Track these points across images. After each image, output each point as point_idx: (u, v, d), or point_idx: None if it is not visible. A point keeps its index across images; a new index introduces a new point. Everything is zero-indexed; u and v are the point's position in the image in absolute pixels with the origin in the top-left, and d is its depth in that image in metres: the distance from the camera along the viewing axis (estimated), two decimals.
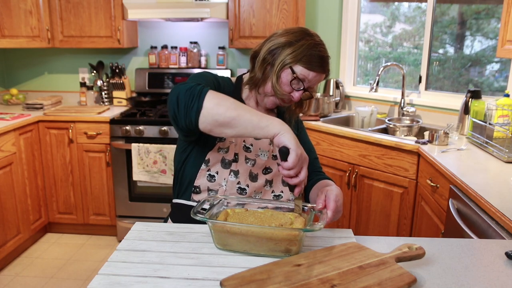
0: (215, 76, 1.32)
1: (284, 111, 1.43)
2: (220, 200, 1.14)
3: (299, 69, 1.24)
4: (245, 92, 1.37)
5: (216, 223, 1.01)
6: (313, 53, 1.23)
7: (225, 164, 1.27)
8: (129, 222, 3.20)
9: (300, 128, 1.50)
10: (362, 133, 2.59)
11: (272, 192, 1.31)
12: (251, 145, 1.30)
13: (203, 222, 1.05)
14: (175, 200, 1.36)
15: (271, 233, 0.97)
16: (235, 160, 1.28)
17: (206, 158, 1.28)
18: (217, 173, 1.27)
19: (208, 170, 1.27)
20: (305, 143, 1.46)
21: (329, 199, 1.10)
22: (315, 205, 1.11)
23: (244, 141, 1.30)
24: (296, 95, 1.26)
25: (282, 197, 1.31)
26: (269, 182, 1.31)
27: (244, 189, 1.28)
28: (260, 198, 1.29)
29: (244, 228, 0.99)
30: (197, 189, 1.29)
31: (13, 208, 2.90)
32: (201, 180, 1.28)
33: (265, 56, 1.27)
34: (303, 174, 1.05)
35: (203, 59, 3.56)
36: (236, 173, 1.27)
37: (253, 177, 1.29)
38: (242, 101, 1.36)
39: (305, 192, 1.41)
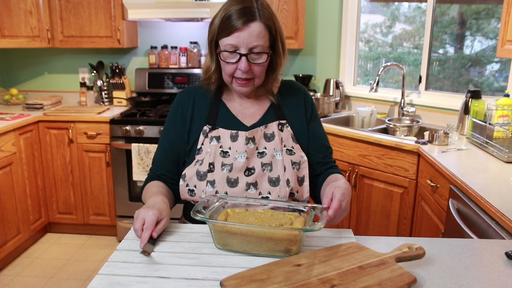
0: (177, 104, 1.36)
1: (275, 95, 1.35)
2: (220, 200, 1.14)
3: (223, 43, 1.19)
4: (226, 92, 1.35)
5: (216, 223, 1.01)
6: (223, 19, 1.17)
7: (201, 176, 1.24)
8: (129, 222, 3.20)
9: (312, 110, 1.39)
10: (362, 133, 2.60)
11: (259, 194, 1.25)
12: (229, 148, 1.26)
13: (204, 222, 1.05)
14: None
15: (271, 233, 0.97)
16: (211, 170, 1.24)
17: (183, 173, 1.27)
18: (195, 187, 1.25)
19: (187, 186, 1.25)
20: (317, 132, 1.37)
21: (335, 197, 1.06)
22: (315, 205, 1.11)
23: (221, 146, 1.26)
24: (241, 66, 1.19)
25: (269, 198, 1.27)
26: (252, 185, 1.24)
27: None
28: (260, 198, 1.26)
29: (244, 228, 0.99)
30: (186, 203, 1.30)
31: (13, 208, 2.90)
32: (185, 196, 1.27)
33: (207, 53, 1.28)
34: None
35: (203, 59, 3.56)
36: (213, 183, 1.23)
37: (232, 183, 1.23)
38: (222, 103, 1.33)
39: (315, 188, 1.34)
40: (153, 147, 2.95)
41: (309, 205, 1.11)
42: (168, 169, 1.34)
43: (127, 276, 0.91)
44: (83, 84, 3.58)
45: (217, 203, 1.12)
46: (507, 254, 1.00)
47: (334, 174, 1.31)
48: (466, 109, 2.50)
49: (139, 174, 3.02)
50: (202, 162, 1.25)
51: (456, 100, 2.77)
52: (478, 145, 2.24)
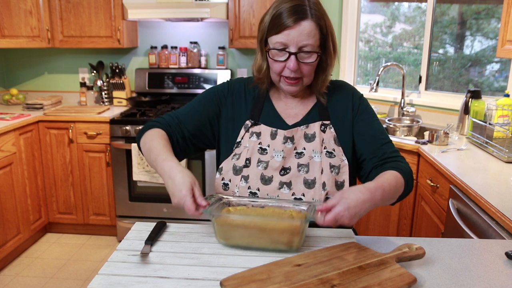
0: (228, 83, 1.33)
1: (323, 94, 1.30)
2: (222, 199, 1.14)
3: (272, 41, 1.17)
4: (274, 89, 1.33)
5: (220, 216, 1.02)
6: (273, 17, 1.16)
7: (236, 170, 1.23)
8: (129, 222, 3.20)
9: (360, 106, 1.29)
10: None
11: (292, 195, 1.20)
12: (268, 146, 1.24)
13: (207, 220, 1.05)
14: None
15: (274, 225, 0.98)
16: (246, 165, 1.23)
17: (220, 166, 1.26)
18: (230, 181, 1.24)
19: (222, 179, 1.24)
20: (366, 126, 1.26)
21: (333, 209, 0.96)
22: (314, 202, 1.10)
23: (260, 143, 1.25)
24: (290, 64, 1.16)
25: (303, 200, 1.23)
26: (286, 184, 1.21)
27: (255, 193, 1.22)
28: (260, 197, 1.23)
29: (247, 220, 1.00)
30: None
31: (13, 208, 2.90)
32: (219, 189, 1.26)
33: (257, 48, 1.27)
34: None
35: (203, 59, 3.56)
36: (246, 178, 1.22)
37: (266, 180, 1.21)
38: (268, 99, 1.31)
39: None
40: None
41: (310, 202, 1.11)
42: (187, 127, 1.30)
43: (127, 276, 0.91)
44: (83, 84, 3.58)
45: (220, 202, 1.12)
46: (507, 254, 1.00)
47: (385, 172, 1.14)
48: (466, 109, 2.50)
49: (139, 174, 3.02)
50: (240, 156, 1.24)
51: (456, 100, 2.77)
52: (478, 145, 2.24)
